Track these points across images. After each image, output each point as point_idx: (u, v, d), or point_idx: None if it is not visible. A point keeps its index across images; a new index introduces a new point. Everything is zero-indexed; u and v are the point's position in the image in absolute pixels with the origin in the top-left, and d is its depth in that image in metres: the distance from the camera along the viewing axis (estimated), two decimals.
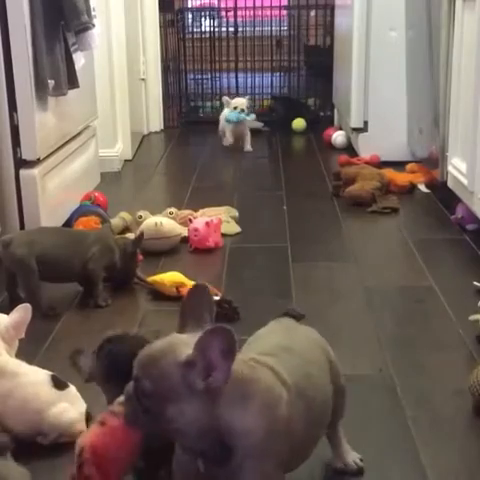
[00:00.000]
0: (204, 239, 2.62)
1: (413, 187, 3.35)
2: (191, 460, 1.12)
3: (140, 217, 2.73)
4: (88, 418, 1.49)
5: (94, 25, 2.74)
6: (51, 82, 2.51)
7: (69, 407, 1.48)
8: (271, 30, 5.43)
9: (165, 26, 5.11)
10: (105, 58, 3.75)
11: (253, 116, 4.47)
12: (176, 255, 2.61)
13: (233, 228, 2.85)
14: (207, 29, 5.51)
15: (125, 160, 4.05)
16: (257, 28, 5.50)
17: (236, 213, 2.97)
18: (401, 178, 3.37)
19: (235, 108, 4.35)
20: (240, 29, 5.39)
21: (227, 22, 5.51)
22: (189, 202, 3.20)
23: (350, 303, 2.20)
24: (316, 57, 5.36)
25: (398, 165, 3.55)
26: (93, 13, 2.80)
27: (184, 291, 2.15)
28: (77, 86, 2.78)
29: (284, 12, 5.58)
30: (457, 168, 2.72)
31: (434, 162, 3.09)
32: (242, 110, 4.34)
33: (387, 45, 3.72)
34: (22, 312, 1.58)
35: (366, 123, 3.87)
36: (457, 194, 2.75)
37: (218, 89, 5.46)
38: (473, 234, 2.71)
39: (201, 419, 1.05)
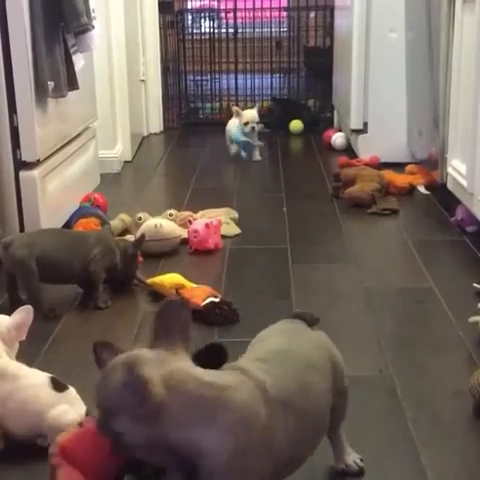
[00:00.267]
0: (204, 240, 2.62)
1: (413, 188, 3.35)
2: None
3: (140, 219, 2.73)
4: None
5: (94, 26, 2.74)
6: (51, 84, 2.50)
7: (69, 409, 1.48)
8: (271, 31, 5.44)
9: (165, 27, 5.12)
10: (105, 59, 3.75)
11: (258, 142, 4.14)
12: (176, 257, 2.61)
13: (233, 229, 2.85)
14: (207, 30, 5.51)
15: (125, 161, 4.05)
16: (257, 29, 5.50)
17: (236, 214, 2.97)
18: (401, 179, 3.37)
19: (246, 124, 4.05)
20: (240, 30, 5.40)
21: (227, 23, 5.51)
22: (189, 203, 3.20)
23: (350, 304, 2.20)
24: (316, 58, 5.36)
25: (398, 166, 3.55)
26: (93, 14, 2.79)
27: (184, 293, 2.15)
28: (77, 88, 2.78)
29: (284, 13, 5.59)
30: (457, 170, 2.72)
31: (434, 163, 3.09)
32: (253, 128, 4.05)
33: (387, 46, 3.72)
34: (24, 314, 1.57)
35: (366, 124, 3.87)
36: (457, 196, 2.75)
37: (218, 90, 5.47)
38: (473, 236, 2.71)
39: (146, 437, 1.06)
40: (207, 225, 2.63)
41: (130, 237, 2.59)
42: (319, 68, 5.24)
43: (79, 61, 2.82)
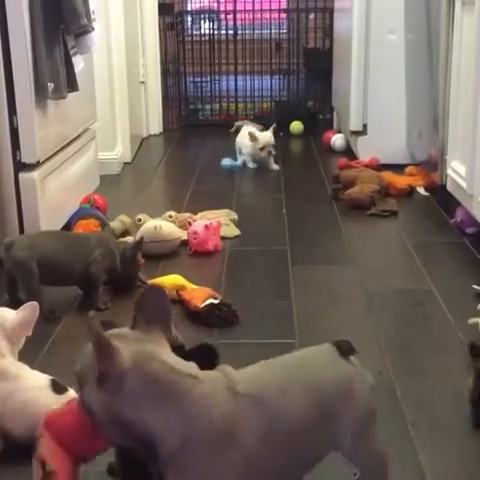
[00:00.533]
0: (203, 242, 2.63)
1: (412, 190, 3.35)
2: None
3: (139, 220, 2.73)
4: None
5: (93, 28, 2.75)
6: (51, 85, 2.51)
7: None
8: (270, 33, 5.45)
9: (165, 29, 5.13)
10: (105, 61, 3.76)
11: (275, 166, 3.97)
12: (176, 258, 2.61)
13: (232, 231, 2.85)
14: (207, 32, 5.52)
15: (124, 163, 4.05)
16: (256, 31, 5.51)
17: (235, 216, 2.97)
18: (400, 181, 3.38)
19: (262, 148, 3.89)
20: (239, 32, 5.40)
21: (227, 25, 5.52)
22: (188, 205, 3.20)
23: (349, 306, 2.20)
24: (315, 60, 5.37)
25: (397, 168, 3.56)
26: (92, 16, 2.80)
27: (184, 294, 2.15)
28: (77, 89, 2.78)
29: (283, 15, 5.60)
30: (456, 171, 2.72)
31: (433, 165, 3.09)
32: (270, 152, 3.91)
33: (386, 48, 3.73)
34: (29, 310, 1.58)
35: (365, 126, 3.87)
36: (456, 197, 2.75)
37: (218, 92, 5.47)
38: (472, 237, 2.71)
39: (106, 409, 1.07)
40: (207, 227, 2.63)
41: (129, 239, 2.59)
42: (319, 70, 5.25)
43: (79, 63, 2.82)
